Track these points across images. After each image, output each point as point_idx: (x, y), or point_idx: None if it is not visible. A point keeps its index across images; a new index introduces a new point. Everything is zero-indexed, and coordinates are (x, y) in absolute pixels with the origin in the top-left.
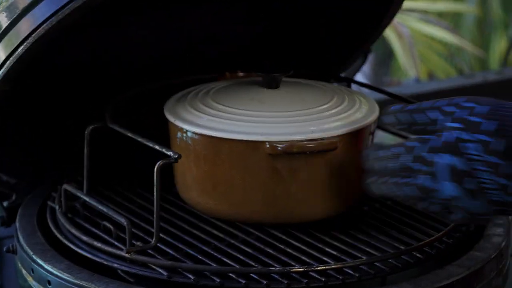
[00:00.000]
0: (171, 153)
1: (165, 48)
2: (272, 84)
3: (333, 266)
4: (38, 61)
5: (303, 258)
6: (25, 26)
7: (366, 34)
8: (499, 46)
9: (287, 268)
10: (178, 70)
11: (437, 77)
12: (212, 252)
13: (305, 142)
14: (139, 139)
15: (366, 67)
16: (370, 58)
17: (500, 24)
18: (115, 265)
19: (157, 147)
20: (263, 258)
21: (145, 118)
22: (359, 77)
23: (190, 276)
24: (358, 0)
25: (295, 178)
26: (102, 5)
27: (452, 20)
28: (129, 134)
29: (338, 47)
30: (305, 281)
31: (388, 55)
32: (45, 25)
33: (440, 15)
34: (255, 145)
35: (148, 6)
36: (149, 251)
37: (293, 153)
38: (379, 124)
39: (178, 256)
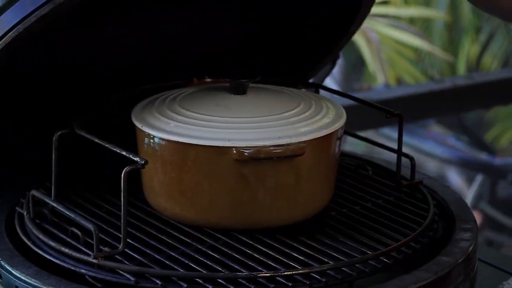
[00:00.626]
0: (138, 159)
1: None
2: (239, 90)
3: (300, 271)
4: (9, 67)
5: (270, 263)
6: None
7: (334, 40)
8: (469, 50)
9: (254, 273)
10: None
11: (405, 82)
12: (179, 258)
13: (272, 148)
14: (106, 145)
15: (337, 73)
16: (342, 63)
17: (470, 28)
18: (83, 270)
19: (124, 153)
20: (230, 263)
21: (115, 124)
22: (329, 82)
23: (158, 281)
24: (327, 6)
25: (262, 183)
26: (72, 10)
27: (422, 26)
28: (96, 140)
29: (307, 53)
30: (272, 286)
31: (359, 61)
32: (11, 32)
33: (411, 20)
34: (222, 151)
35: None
36: (117, 256)
37: (260, 158)
38: (348, 130)
39: (146, 262)
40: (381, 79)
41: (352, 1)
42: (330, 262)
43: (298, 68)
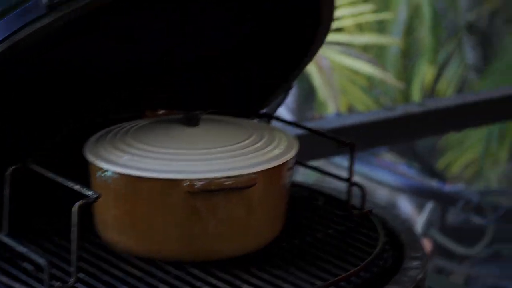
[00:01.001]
0: (90, 193)
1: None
2: (192, 122)
3: None
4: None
5: None
6: None
7: (287, 71)
8: (424, 77)
9: None
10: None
11: (357, 110)
12: None
13: (223, 180)
14: (59, 180)
15: (290, 102)
16: (295, 92)
17: (425, 55)
18: None
19: (76, 187)
20: None
21: (72, 156)
22: (283, 112)
23: None
24: (281, 37)
25: (214, 215)
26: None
27: (376, 53)
28: (49, 175)
29: (260, 84)
30: None
31: (312, 89)
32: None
33: (365, 48)
34: (174, 183)
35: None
36: None
37: (212, 190)
38: (299, 160)
39: None
40: (332, 107)
41: (307, 30)
42: None
43: (234, 105)
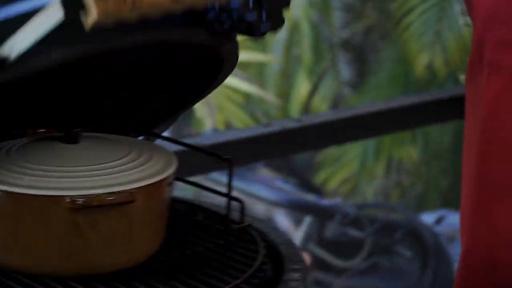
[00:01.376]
0: None
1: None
2: (72, 140)
3: None
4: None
5: None
6: None
7: (187, 100)
8: (301, 94)
9: None
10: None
11: (233, 126)
12: None
13: (104, 196)
14: None
15: None
16: None
17: (303, 72)
18: None
19: None
20: None
21: None
22: None
23: None
24: (185, 70)
25: (96, 231)
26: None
27: (257, 70)
28: None
29: (157, 108)
30: None
31: None
32: None
33: (244, 66)
34: (55, 199)
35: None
36: None
37: (93, 206)
38: (178, 176)
39: None
40: (209, 124)
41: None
42: None
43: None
